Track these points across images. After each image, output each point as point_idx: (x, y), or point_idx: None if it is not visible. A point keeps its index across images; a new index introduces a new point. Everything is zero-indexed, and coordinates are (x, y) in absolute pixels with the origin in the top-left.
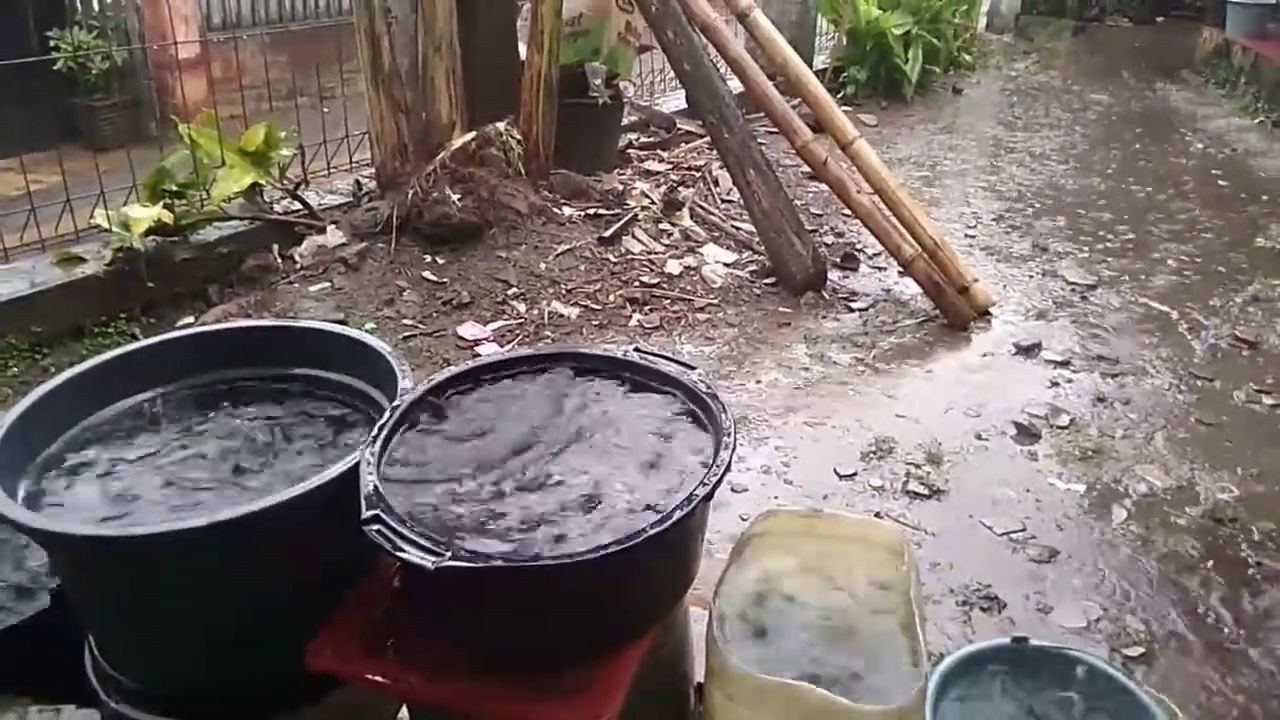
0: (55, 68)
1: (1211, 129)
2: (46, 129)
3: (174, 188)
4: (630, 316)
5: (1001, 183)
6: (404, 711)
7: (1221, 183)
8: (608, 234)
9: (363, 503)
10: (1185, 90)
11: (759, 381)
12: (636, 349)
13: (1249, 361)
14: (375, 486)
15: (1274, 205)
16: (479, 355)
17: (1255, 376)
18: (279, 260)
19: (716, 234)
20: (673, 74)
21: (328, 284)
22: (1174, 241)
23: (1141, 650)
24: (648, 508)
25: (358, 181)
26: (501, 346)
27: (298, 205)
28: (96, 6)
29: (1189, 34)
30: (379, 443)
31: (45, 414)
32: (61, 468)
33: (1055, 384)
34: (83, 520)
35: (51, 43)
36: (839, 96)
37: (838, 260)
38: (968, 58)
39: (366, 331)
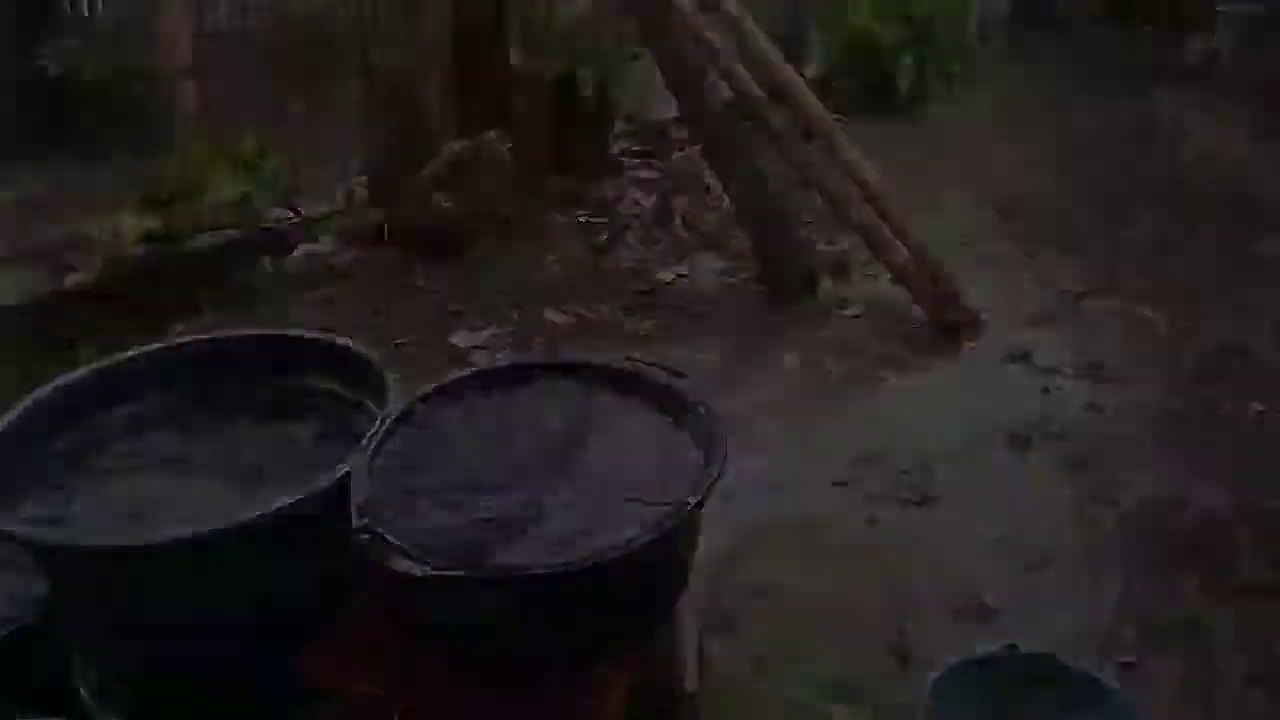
0: (46, 75)
1: (1201, 137)
2: (37, 137)
3: (166, 197)
4: (622, 324)
5: (992, 191)
6: None
7: (1211, 190)
8: (600, 242)
9: (353, 512)
10: (1175, 98)
11: (751, 389)
12: (628, 357)
13: (1238, 369)
14: (366, 496)
15: (1263, 213)
16: (471, 364)
17: (1244, 384)
18: (270, 269)
19: (708, 242)
20: (664, 82)
21: (319, 293)
22: (1164, 249)
23: (1132, 658)
24: (639, 516)
25: (349, 190)
26: (493, 355)
27: (289, 214)
28: (88, 13)
29: (1179, 42)
30: (369, 453)
31: (34, 424)
32: (49, 478)
33: (1046, 391)
34: (70, 531)
35: (43, 50)
36: (830, 105)
37: (829, 268)
38: (958, 67)
39: (357, 340)
